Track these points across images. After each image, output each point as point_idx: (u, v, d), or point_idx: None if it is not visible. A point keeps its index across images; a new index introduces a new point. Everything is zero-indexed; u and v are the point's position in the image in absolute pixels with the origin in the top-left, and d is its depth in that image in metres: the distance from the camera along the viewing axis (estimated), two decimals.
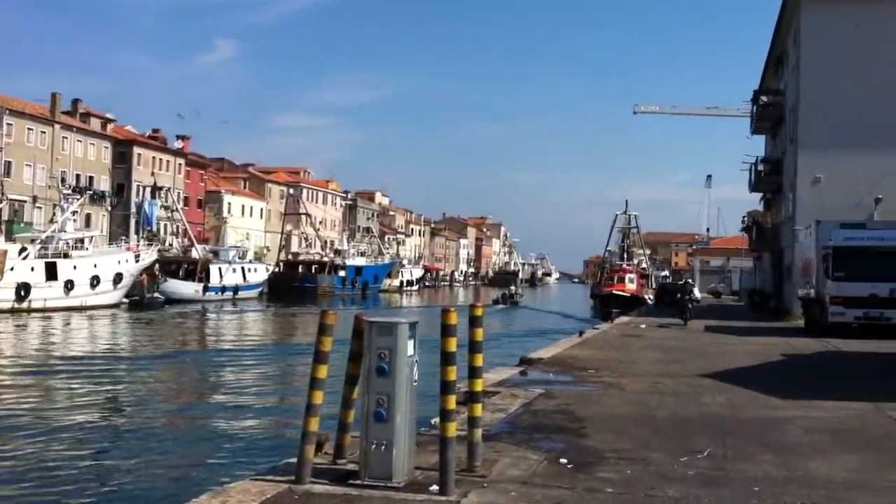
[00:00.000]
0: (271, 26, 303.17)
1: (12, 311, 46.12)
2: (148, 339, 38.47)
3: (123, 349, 33.66)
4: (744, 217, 69.07)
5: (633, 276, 65.88)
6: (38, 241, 51.29)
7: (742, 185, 55.74)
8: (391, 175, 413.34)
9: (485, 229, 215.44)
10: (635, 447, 8.83)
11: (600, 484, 7.23)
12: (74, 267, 51.30)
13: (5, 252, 47.19)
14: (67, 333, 40.09)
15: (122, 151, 77.45)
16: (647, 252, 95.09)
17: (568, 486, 7.11)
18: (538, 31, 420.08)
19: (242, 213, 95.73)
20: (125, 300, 56.39)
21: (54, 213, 57.75)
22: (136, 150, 78.75)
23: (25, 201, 66.11)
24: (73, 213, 55.30)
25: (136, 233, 71.75)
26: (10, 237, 52.62)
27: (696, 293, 36.28)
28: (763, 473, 7.75)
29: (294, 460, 7.17)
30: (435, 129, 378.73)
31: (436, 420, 8.30)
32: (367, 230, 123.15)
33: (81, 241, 54.65)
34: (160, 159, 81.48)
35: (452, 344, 7.00)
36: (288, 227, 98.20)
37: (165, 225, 77.53)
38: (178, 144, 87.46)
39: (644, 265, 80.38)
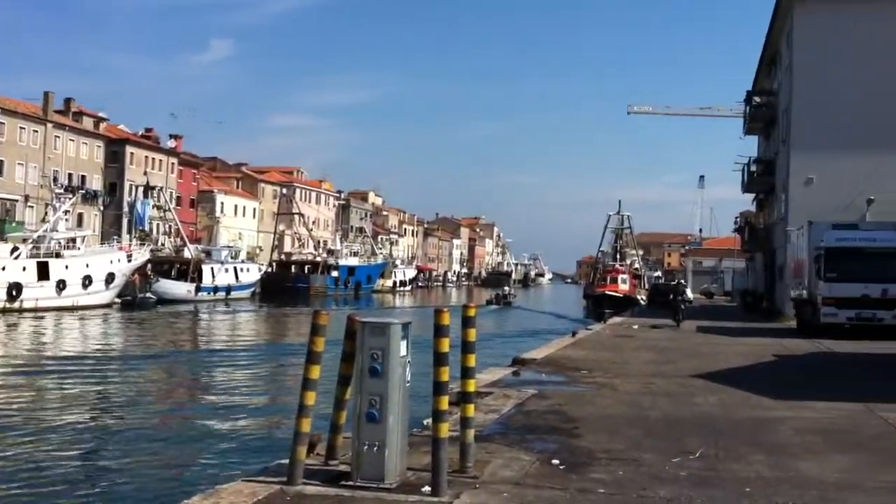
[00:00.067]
0: (264, 26, 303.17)
1: (4, 311, 45.97)
2: (140, 339, 38.38)
3: (115, 349, 33.56)
4: (736, 218, 69.23)
5: (625, 276, 65.99)
6: (30, 240, 51.15)
7: (735, 185, 55.89)
8: (384, 175, 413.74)
9: (478, 229, 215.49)
10: (627, 448, 8.83)
11: (592, 485, 7.23)
12: (66, 267, 51.14)
13: None
14: (59, 333, 39.95)
15: (115, 150, 77.19)
16: (640, 252, 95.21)
17: (560, 487, 7.11)
18: (533, 31, 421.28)
19: (235, 213, 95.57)
20: (117, 300, 56.26)
21: (46, 213, 57.58)
22: (129, 149, 78.54)
23: (17, 200, 65.88)
24: (66, 212, 55.17)
25: (129, 232, 71.62)
26: (1, 237, 52.46)
27: (689, 294, 36.28)
28: (755, 474, 7.76)
29: (286, 461, 7.16)
30: (428, 130, 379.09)
31: (428, 421, 8.30)
32: (360, 230, 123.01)
33: (73, 240, 54.52)
34: (153, 159, 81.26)
35: (445, 344, 7.00)
36: (281, 227, 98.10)
37: (158, 224, 77.34)
38: (170, 144, 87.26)
39: (637, 266, 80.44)
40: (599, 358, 18.69)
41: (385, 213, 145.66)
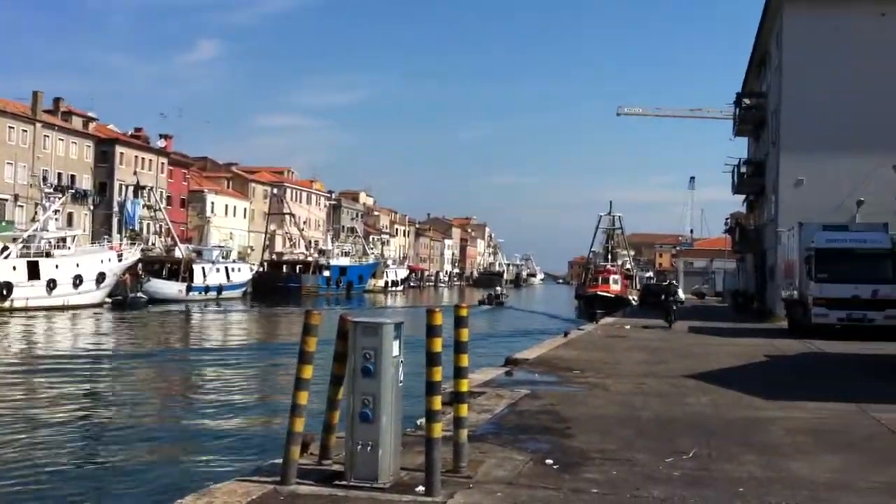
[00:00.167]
0: (258, 26, 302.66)
1: None
2: (131, 338, 38.26)
3: (106, 349, 33.43)
4: (727, 219, 69.37)
5: (617, 276, 66.07)
6: (20, 239, 50.96)
7: (725, 186, 55.85)
8: (375, 175, 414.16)
9: (469, 230, 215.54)
10: (620, 448, 8.85)
11: (586, 484, 7.24)
12: (57, 266, 50.95)
13: None
14: (50, 333, 39.78)
15: (105, 150, 76.96)
16: (632, 253, 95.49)
17: (553, 487, 7.12)
18: (527, 32, 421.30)
19: (226, 213, 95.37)
20: (108, 300, 56.09)
21: (36, 212, 57.37)
22: (119, 148, 78.31)
23: (7, 200, 65.64)
24: (56, 211, 54.95)
25: (119, 232, 71.32)
26: None
27: (681, 294, 36.32)
28: (747, 474, 7.78)
29: (279, 461, 7.15)
30: (419, 131, 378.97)
31: (421, 421, 8.29)
32: (352, 230, 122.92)
33: (64, 240, 54.31)
34: (143, 158, 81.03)
35: (438, 344, 7.00)
36: (272, 227, 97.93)
37: (148, 224, 77.09)
38: (160, 143, 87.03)
39: (628, 266, 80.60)
40: (591, 358, 18.72)
41: (376, 213, 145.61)
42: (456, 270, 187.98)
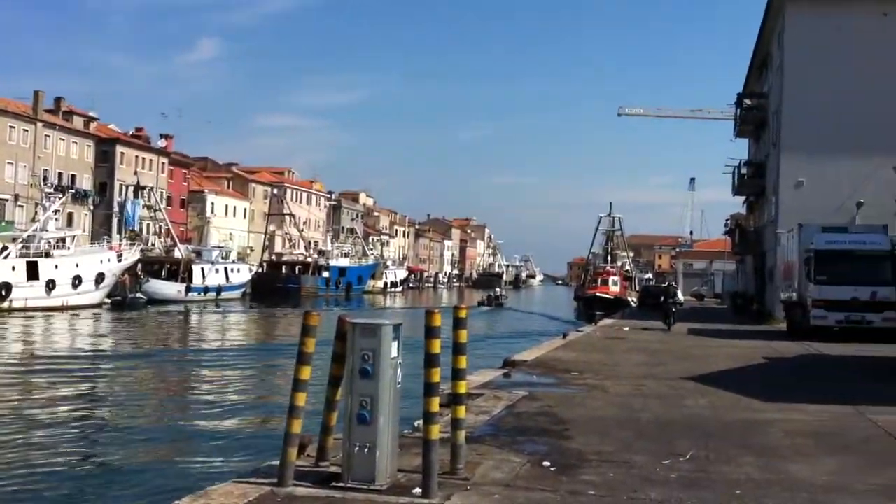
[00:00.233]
0: (256, 27, 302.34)
1: None
2: (130, 339, 38.25)
3: (105, 349, 33.42)
4: (727, 220, 69.38)
5: (616, 278, 66.06)
6: (20, 240, 50.94)
7: (725, 188, 55.87)
8: (375, 176, 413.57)
9: (469, 231, 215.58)
10: (618, 450, 8.84)
11: (583, 487, 7.23)
12: (56, 266, 50.92)
13: None
14: (49, 333, 39.79)
15: (105, 150, 76.96)
16: (631, 254, 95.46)
17: (551, 489, 7.11)
18: (527, 32, 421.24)
19: (226, 213, 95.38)
20: (107, 300, 56.07)
21: (36, 212, 57.37)
22: (119, 148, 78.31)
23: (7, 200, 65.64)
24: (55, 211, 54.92)
25: (119, 232, 71.36)
26: None
27: (680, 296, 36.27)
28: (745, 476, 7.78)
29: (277, 462, 7.14)
30: (419, 130, 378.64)
31: (419, 422, 8.29)
32: (351, 231, 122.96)
33: (63, 240, 54.29)
34: (143, 158, 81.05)
35: (436, 346, 6.99)
36: (271, 228, 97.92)
37: (148, 224, 77.10)
38: (161, 143, 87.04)
39: (627, 267, 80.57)
40: (590, 360, 18.71)
41: (376, 213, 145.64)
42: (455, 271, 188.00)
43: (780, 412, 11.68)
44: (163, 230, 75.69)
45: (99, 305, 54.04)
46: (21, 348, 33.37)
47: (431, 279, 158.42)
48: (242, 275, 77.59)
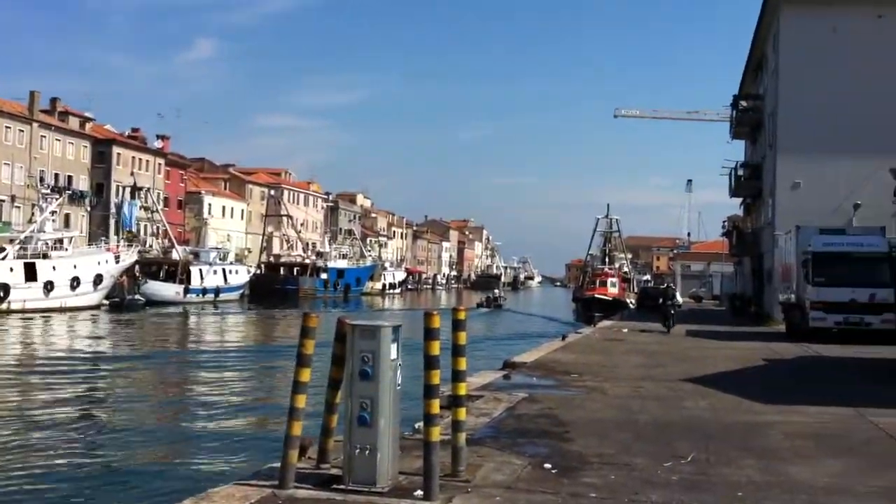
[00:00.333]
0: (254, 27, 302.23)
1: None
2: (128, 340, 38.20)
3: (104, 351, 33.40)
4: (724, 222, 69.54)
5: (614, 279, 66.14)
6: (17, 241, 50.86)
7: (722, 189, 56.20)
8: (374, 176, 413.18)
9: (467, 232, 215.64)
10: (618, 452, 8.84)
11: (584, 489, 7.23)
12: (54, 268, 50.88)
13: None
14: (47, 335, 39.73)
15: (102, 151, 76.84)
16: (629, 256, 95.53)
17: (552, 492, 7.10)
18: (527, 32, 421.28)
19: (223, 215, 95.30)
20: (105, 302, 56.01)
21: (33, 213, 57.29)
22: (116, 149, 78.20)
23: (4, 201, 65.54)
24: (52, 212, 54.91)
25: (116, 233, 71.34)
26: None
27: (679, 298, 36.24)
28: (746, 478, 7.77)
29: (277, 465, 7.13)
30: (419, 130, 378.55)
31: (419, 424, 8.27)
32: (349, 232, 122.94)
33: (61, 241, 54.30)
34: (140, 159, 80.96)
35: (435, 347, 6.98)
36: (269, 229, 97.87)
37: (145, 226, 77.06)
38: (157, 144, 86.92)
39: (626, 269, 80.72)
40: (589, 361, 18.71)
41: (374, 215, 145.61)
42: (453, 273, 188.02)
43: (780, 414, 11.68)
44: (160, 231, 75.63)
45: (97, 307, 53.98)
46: (20, 350, 33.32)
47: (430, 281, 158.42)
48: (240, 276, 77.54)
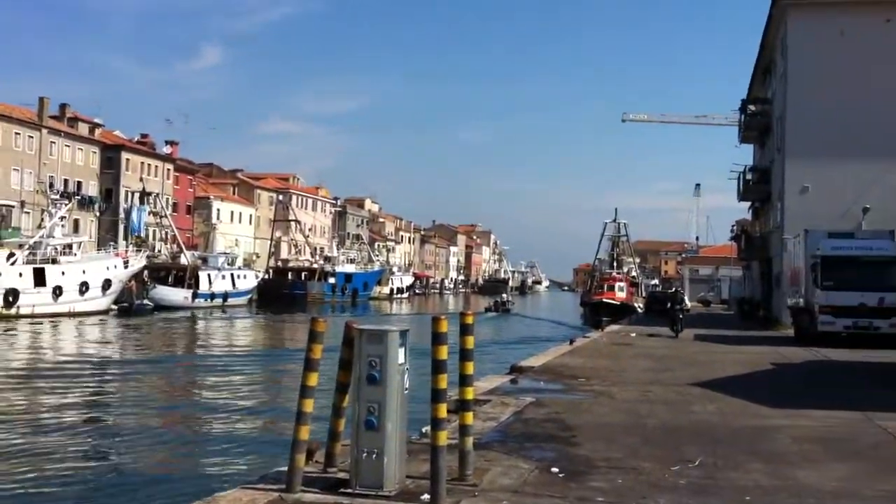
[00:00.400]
0: (261, 33, 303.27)
1: (0, 317, 45.87)
2: (137, 345, 38.33)
3: (112, 355, 33.52)
4: (733, 226, 69.40)
5: (622, 284, 65.92)
6: (27, 246, 51.06)
7: (731, 193, 56.17)
8: (381, 182, 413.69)
9: (475, 237, 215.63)
10: (626, 456, 8.82)
11: (592, 493, 7.22)
12: (63, 273, 51.08)
13: None
14: (56, 340, 39.89)
15: (111, 156, 77.07)
16: (637, 260, 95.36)
17: (559, 496, 7.10)
18: (527, 32, 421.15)
19: (231, 220, 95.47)
20: (114, 307, 56.18)
21: (42, 219, 57.49)
22: (125, 155, 78.41)
23: (13, 206, 65.78)
24: (62, 218, 55.07)
25: (125, 239, 71.54)
26: None
27: (687, 302, 36.18)
28: (753, 482, 7.76)
29: (285, 468, 7.14)
30: (425, 137, 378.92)
31: (427, 428, 8.28)
32: (357, 237, 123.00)
33: (70, 246, 54.43)
34: (149, 164, 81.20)
35: (443, 352, 6.98)
36: (277, 234, 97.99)
37: (154, 231, 77.26)
38: (166, 150, 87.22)
39: (634, 273, 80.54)
40: (597, 366, 18.68)
41: (382, 219, 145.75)
42: (461, 277, 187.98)
43: (788, 418, 11.65)
44: (169, 236, 75.81)
45: (106, 312, 54.15)
46: (28, 354, 33.44)
47: (437, 285, 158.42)
48: (249, 281, 77.66)
